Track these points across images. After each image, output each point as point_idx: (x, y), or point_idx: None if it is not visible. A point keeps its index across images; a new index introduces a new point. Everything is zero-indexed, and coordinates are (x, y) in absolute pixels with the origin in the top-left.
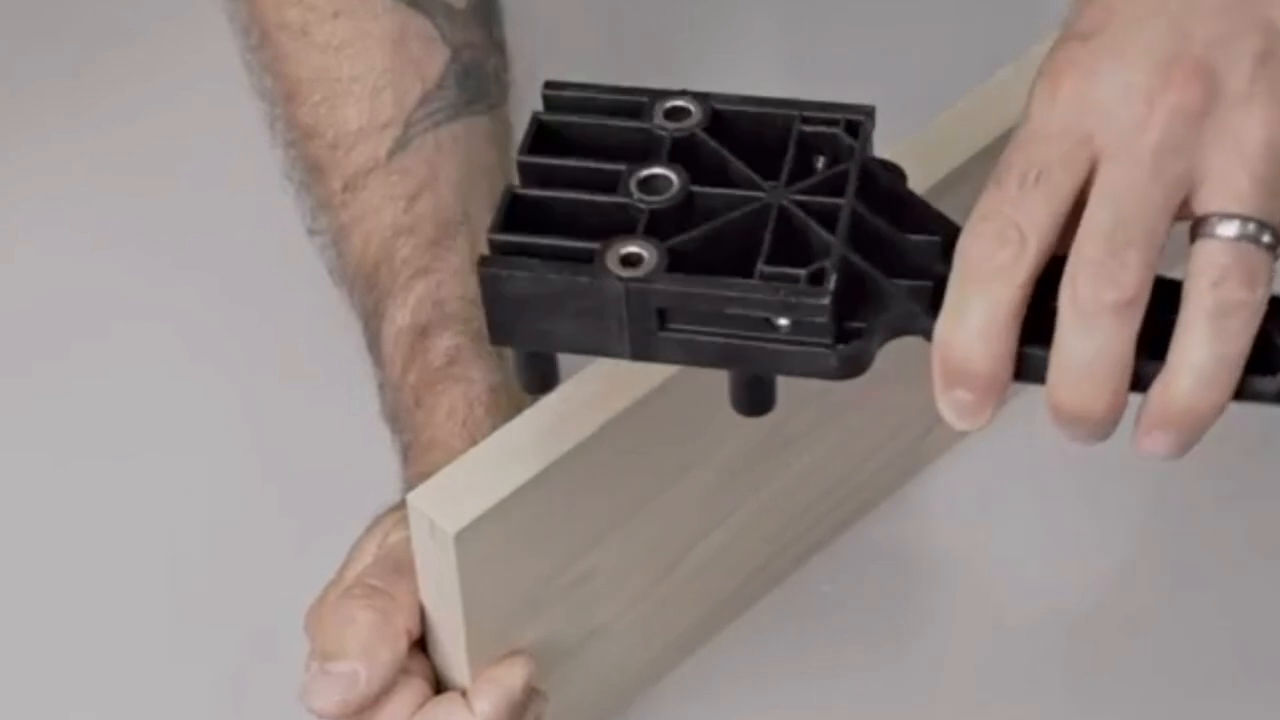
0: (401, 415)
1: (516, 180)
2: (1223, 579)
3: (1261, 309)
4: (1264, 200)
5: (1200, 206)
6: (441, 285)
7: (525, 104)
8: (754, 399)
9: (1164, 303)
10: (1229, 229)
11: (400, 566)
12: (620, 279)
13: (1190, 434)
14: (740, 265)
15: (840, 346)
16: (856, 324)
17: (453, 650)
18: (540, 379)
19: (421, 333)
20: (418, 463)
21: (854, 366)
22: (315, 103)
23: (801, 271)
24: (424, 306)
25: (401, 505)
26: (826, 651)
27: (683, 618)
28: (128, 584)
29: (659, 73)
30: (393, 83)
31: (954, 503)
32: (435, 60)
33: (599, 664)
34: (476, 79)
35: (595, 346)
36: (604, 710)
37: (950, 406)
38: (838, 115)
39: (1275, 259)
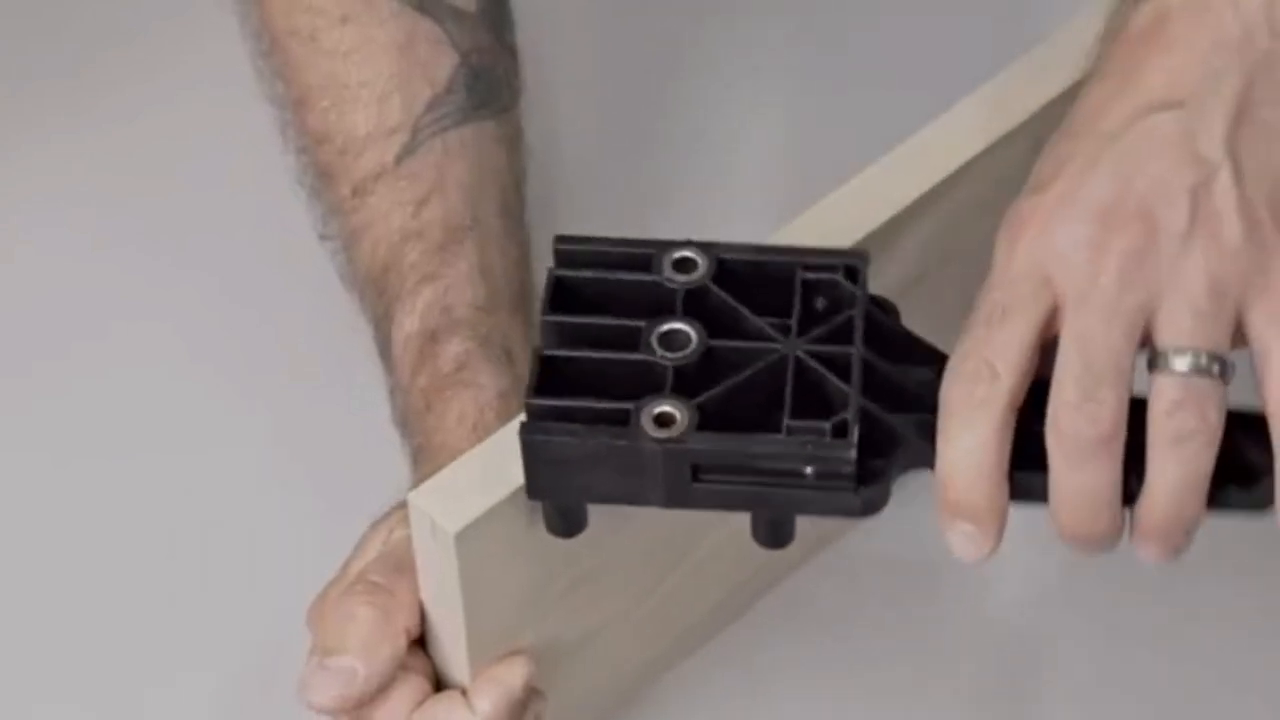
0: (412, 419)
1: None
2: (1222, 581)
3: (1217, 431)
4: (1210, 332)
5: (1155, 340)
6: (449, 290)
7: (528, 106)
8: (775, 535)
9: (1140, 422)
10: (1181, 363)
11: (402, 564)
12: (656, 440)
13: (1175, 541)
14: (764, 414)
15: (862, 489)
16: (875, 462)
17: (453, 649)
18: (570, 525)
19: (430, 338)
20: (428, 466)
21: (874, 505)
22: (324, 108)
23: (825, 424)
24: (432, 312)
25: (406, 503)
26: (826, 652)
27: (683, 618)
28: (128, 584)
29: (659, 73)
30: (400, 87)
31: None
32: (443, 65)
33: (599, 664)
34: (486, 83)
35: (630, 497)
36: (604, 710)
37: (956, 540)
38: (836, 261)
39: (1226, 384)
